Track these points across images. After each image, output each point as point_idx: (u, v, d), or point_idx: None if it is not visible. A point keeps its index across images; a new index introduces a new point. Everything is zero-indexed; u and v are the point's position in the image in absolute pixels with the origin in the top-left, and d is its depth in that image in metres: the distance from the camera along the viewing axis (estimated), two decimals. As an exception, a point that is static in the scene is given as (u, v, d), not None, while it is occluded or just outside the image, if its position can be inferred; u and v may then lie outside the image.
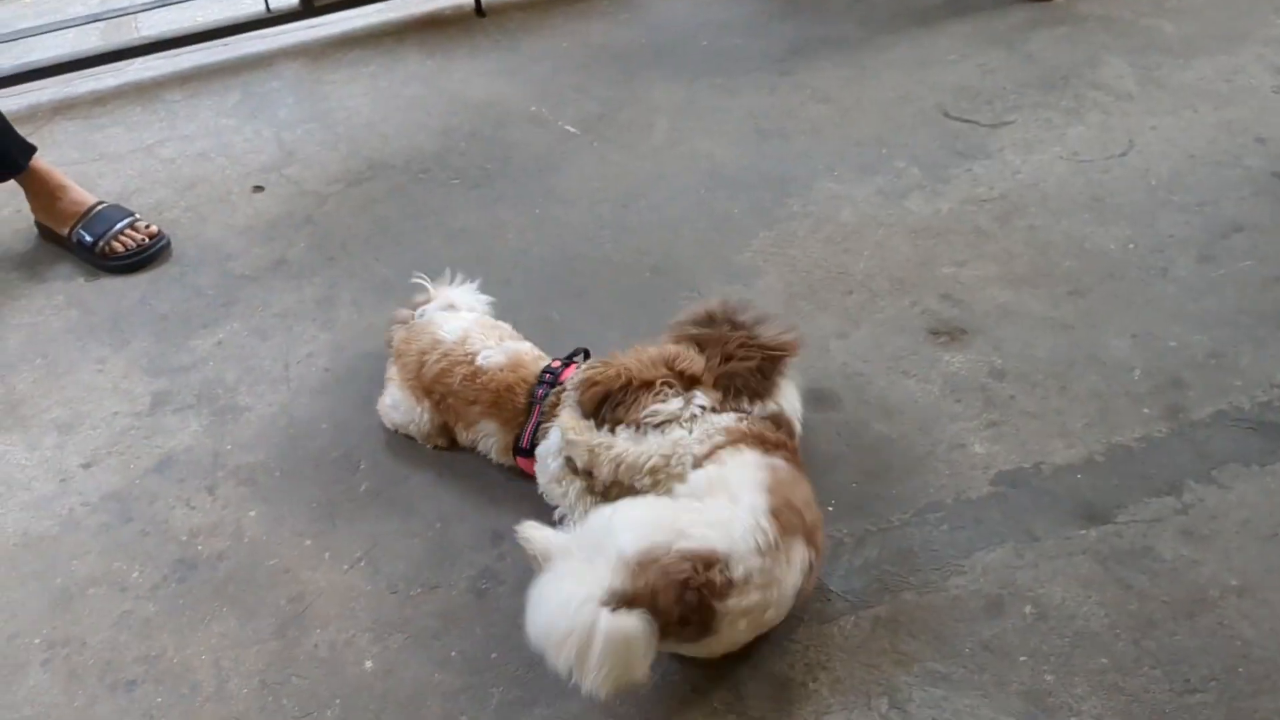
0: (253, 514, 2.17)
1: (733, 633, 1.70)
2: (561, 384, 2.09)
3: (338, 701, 1.83)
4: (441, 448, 2.25)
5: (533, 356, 2.17)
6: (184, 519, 2.17)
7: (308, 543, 2.10)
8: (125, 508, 2.20)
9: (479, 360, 2.13)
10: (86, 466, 2.29)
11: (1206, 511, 2.04)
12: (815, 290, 2.61)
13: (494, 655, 1.88)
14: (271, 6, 3.85)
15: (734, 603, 1.64)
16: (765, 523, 1.69)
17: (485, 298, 2.40)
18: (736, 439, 1.88)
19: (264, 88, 3.64)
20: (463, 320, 2.24)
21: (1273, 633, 1.83)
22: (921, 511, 2.07)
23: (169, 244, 2.91)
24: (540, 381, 2.09)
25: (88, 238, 2.85)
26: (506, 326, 2.28)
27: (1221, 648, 1.81)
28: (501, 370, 2.11)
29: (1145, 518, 2.03)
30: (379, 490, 2.19)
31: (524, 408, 2.09)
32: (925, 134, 3.19)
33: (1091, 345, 2.41)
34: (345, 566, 2.05)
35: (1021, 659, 1.81)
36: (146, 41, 3.77)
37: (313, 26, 3.96)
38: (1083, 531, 2.02)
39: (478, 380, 2.11)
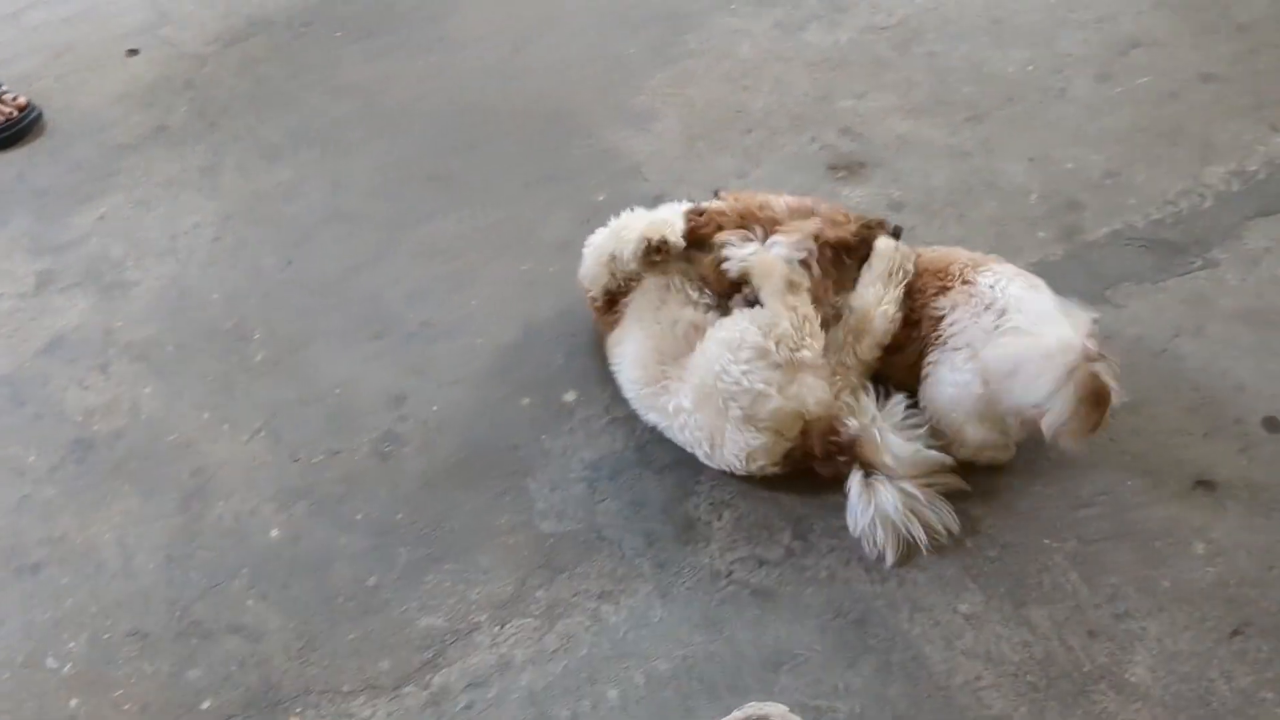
0: (148, 390, 2.12)
1: None
2: None
3: (245, 570, 1.83)
4: None
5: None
6: (78, 399, 2.12)
7: (206, 416, 2.07)
8: (16, 391, 2.15)
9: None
10: (-29, 352, 2.23)
11: (1101, 330, 2.06)
12: (713, 130, 2.57)
13: (399, 516, 1.88)
14: None
15: None
16: None
17: None
18: None
19: (132, -58, 3.43)
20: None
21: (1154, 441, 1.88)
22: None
23: (41, 116, 2.78)
24: None
25: (-46, 115, 2.71)
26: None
27: (1112, 461, 1.86)
28: None
29: (1040, 340, 2.06)
30: (275, 359, 2.15)
31: None
32: (824, -39, 3.09)
33: (989, 172, 2.40)
34: (245, 437, 2.03)
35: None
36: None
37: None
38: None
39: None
